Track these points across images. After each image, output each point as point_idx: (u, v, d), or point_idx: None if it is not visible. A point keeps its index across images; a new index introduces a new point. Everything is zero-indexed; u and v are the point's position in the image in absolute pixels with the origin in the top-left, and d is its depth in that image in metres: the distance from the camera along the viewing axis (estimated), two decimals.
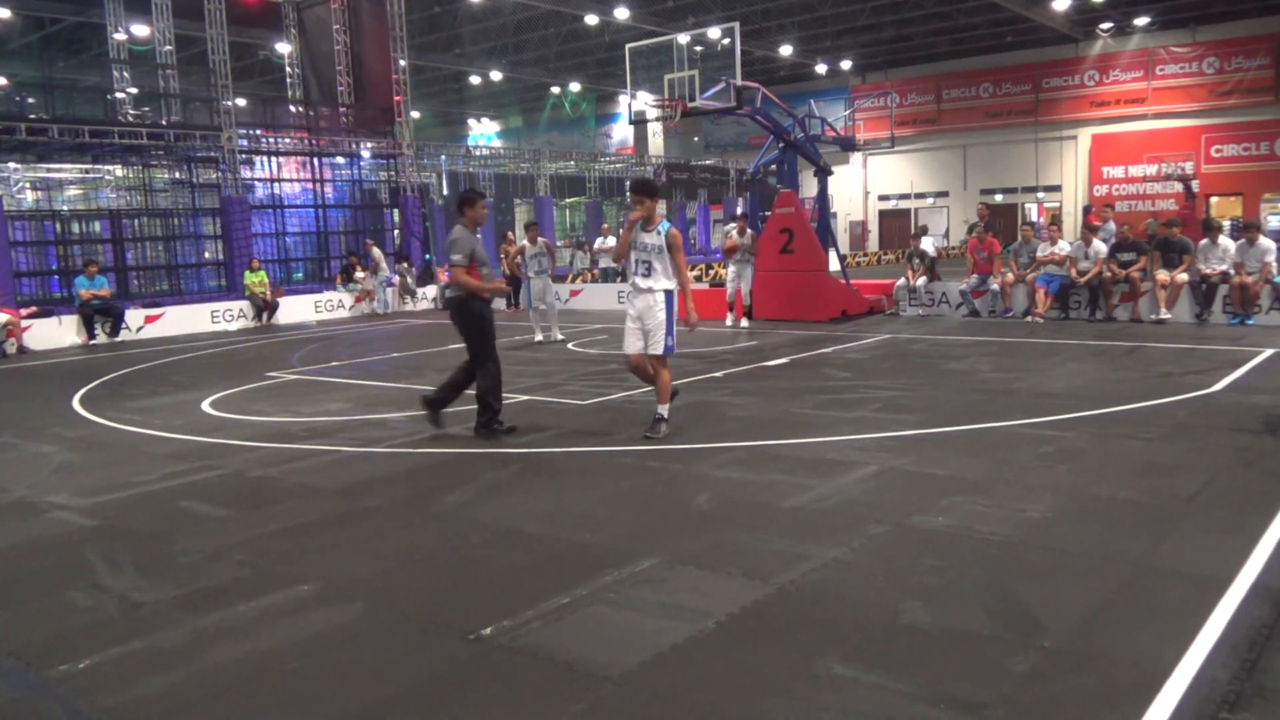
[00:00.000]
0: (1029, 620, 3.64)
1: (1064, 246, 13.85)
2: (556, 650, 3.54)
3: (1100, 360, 10.02)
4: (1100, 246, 13.42)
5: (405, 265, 22.34)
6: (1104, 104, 37.19)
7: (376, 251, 21.35)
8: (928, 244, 18.76)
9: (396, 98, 23.82)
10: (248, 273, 19.43)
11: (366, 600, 4.18)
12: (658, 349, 7.18)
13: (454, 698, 3.26)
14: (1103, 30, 35.96)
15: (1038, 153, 38.61)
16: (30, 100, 22.18)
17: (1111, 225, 14.57)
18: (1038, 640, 3.46)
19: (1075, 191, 37.82)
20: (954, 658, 3.37)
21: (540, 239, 14.59)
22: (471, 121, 51.63)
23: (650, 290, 7.14)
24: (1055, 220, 17.46)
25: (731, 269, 15.14)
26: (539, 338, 14.00)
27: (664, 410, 7.14)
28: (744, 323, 14.85)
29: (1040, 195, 38.78)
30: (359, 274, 20.98)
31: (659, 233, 7.06)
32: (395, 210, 24.51)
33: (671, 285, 7.15)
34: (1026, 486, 5.39)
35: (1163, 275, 12.85)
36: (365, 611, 4.06)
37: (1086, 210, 18.54)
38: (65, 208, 22.58)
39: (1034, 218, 35.82)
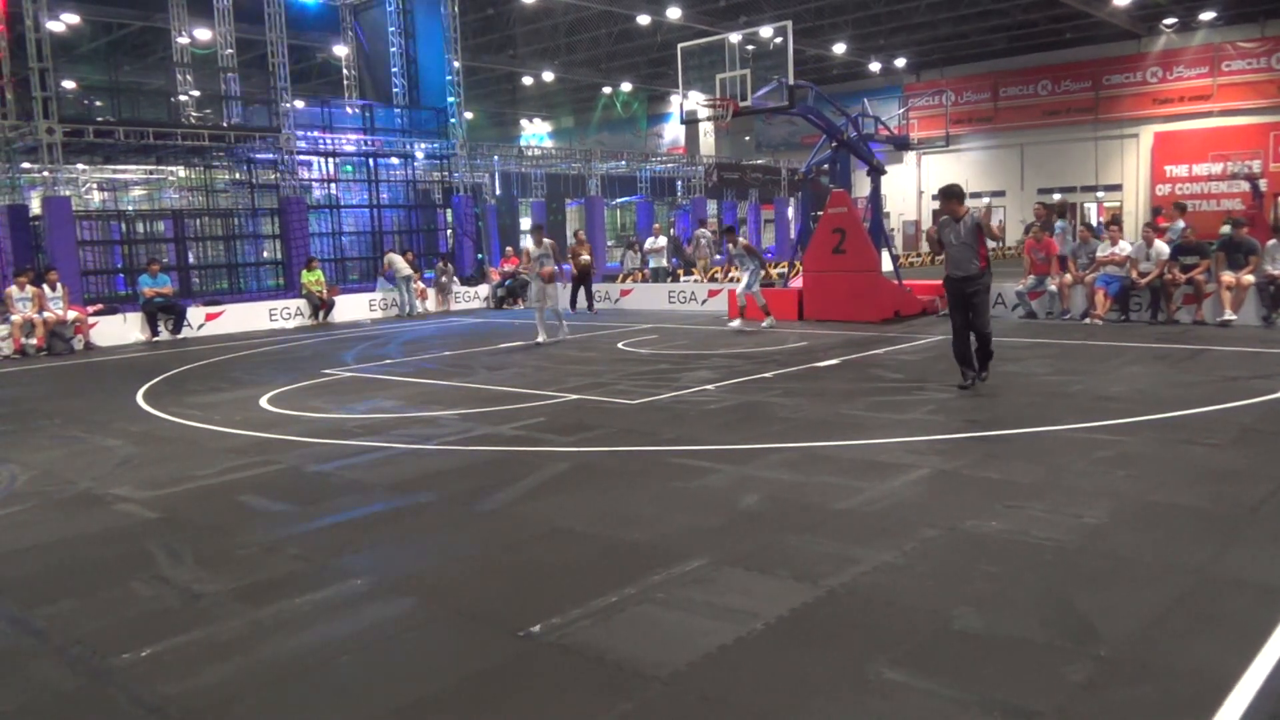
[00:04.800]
0: (1085, 628, 3.56)
1: (1124, 247, 13.54)
2: (605, 649, 3.56)
3: (1162, 364, 9.78)
4: (1162, 247, 13.09)
5: (442, 264, 22.37)
6: (1167, 101, 36.26)
7: (390, 257, 21.16)
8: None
9: (450, 99, 24.09)
10: (305, 272, 19.78)
11: (418, 595, 4.24)
12: None
13: (503, 694, 3.29)
14: (1166, 26, 35.07)
15: (1097, 151, 37.78)
16: (98, 103, 22.81)
17: (1180, 224, 14.17)
18: (1094, 649, 3.39)
19: (1136, 191, 36.94)
20: (1007, 665, 3.31)
21: (547, 241, 14.11)
22: (524, 122, 51.99)
23: None
24: (1115, 220, 17.08)
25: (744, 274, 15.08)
26: (542, 338, 13.66)
27: None
28: (765, 323, 14.62)
29: (1100, 195, 37.95)
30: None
31: None
32: (448, 210, 24.79)
33: None
34: (1083, 492, 5.28)
35: (1228, 277, 12.49)
36: (416, 606, 4.12)
37: (1156, 212, 18.11)
38: (130, 208, 23.17)
39: (1093, 218, 35.07)
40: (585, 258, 18.88)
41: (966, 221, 8.52)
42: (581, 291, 18.82)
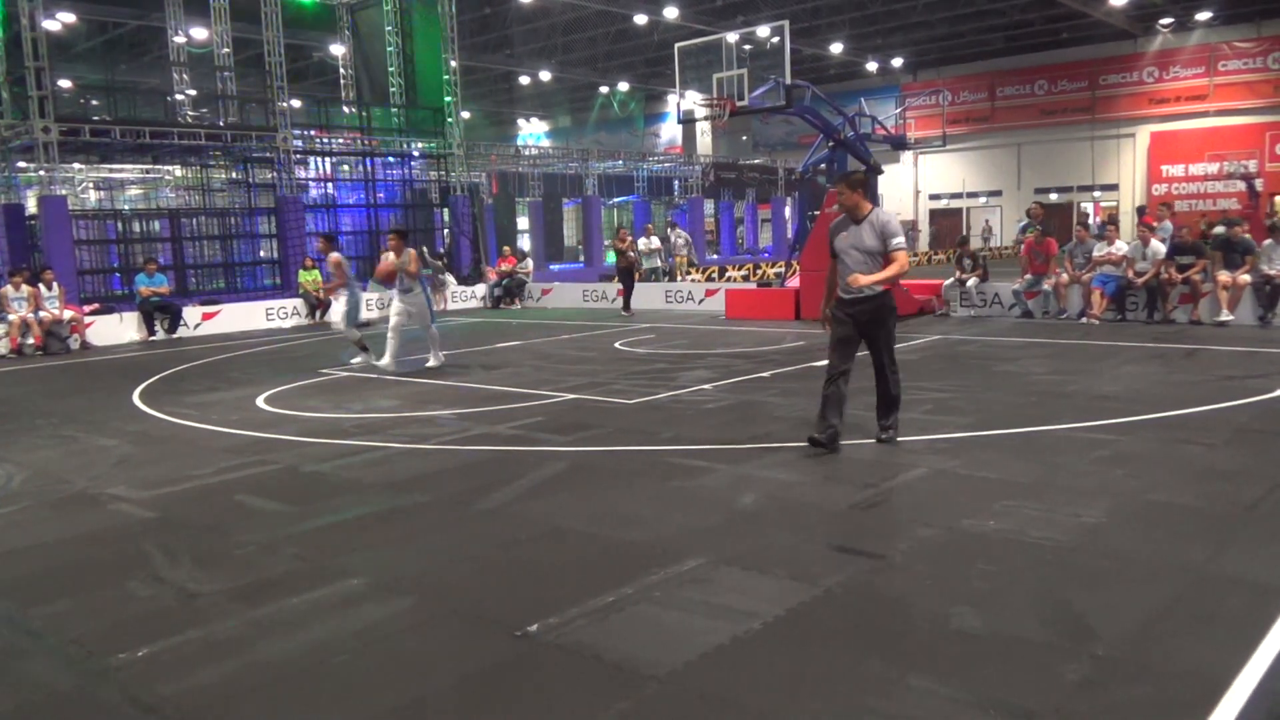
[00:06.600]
0: (1083, 628, 3.57)
1: (1121, 247, 13.56)
2: (602, 648, 3.55)
3: (1158, 363, 9.80)
4: (1158, 247, 13.11)
5: (440, 263, 22.26)
6: (1163, 101, 36.32)
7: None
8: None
9: (447, 98, 24.08)
10: (301, 271, 19.76)
11: (415, 595, 4.23)
12: None
13: (500, 693, 3.29)
14: (1162, 26, 35.13)
15: (1094, 151, 37.84)
16: (94, 103, 22.79)
17: (1169, 224, 14.23)
18: (1092, 648, 3.40)
19: (1133, 191, 37.00)
20: (1005, 664, 3.32)
21: (410, 251, 11.36)
22: (521, 121, 51.97)
23: None
24: (1112, 220, 17.20)
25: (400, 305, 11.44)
26: (432, 362, 11.58)
27: None
28: (358, 359, 11.94)
29: (1096, 194, 38.01)
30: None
31: None
32: (445, 210, 24.78)
33: None
34: (1080, 491, 5.29)
35: (1224, 276, 12.51)
36: (414, 606, 4.12)
37: (1140, 211, 18.15)
38: (127, 207, 23.15)
39: (1090, 217, 35.16)
40: (632, 254, 18.71)
41: (873, 221, 6.30)
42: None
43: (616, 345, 13.29)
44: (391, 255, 11.32)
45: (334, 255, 12.28)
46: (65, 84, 21.53)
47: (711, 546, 4.62)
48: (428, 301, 11.57)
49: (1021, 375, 9.30)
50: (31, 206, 19.16)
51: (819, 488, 5.63)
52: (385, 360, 11.19)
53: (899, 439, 6.65)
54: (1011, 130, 39.95)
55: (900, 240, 6.31)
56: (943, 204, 42.72)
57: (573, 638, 3.66)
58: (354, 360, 12.07)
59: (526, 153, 34.53)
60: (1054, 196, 37.13)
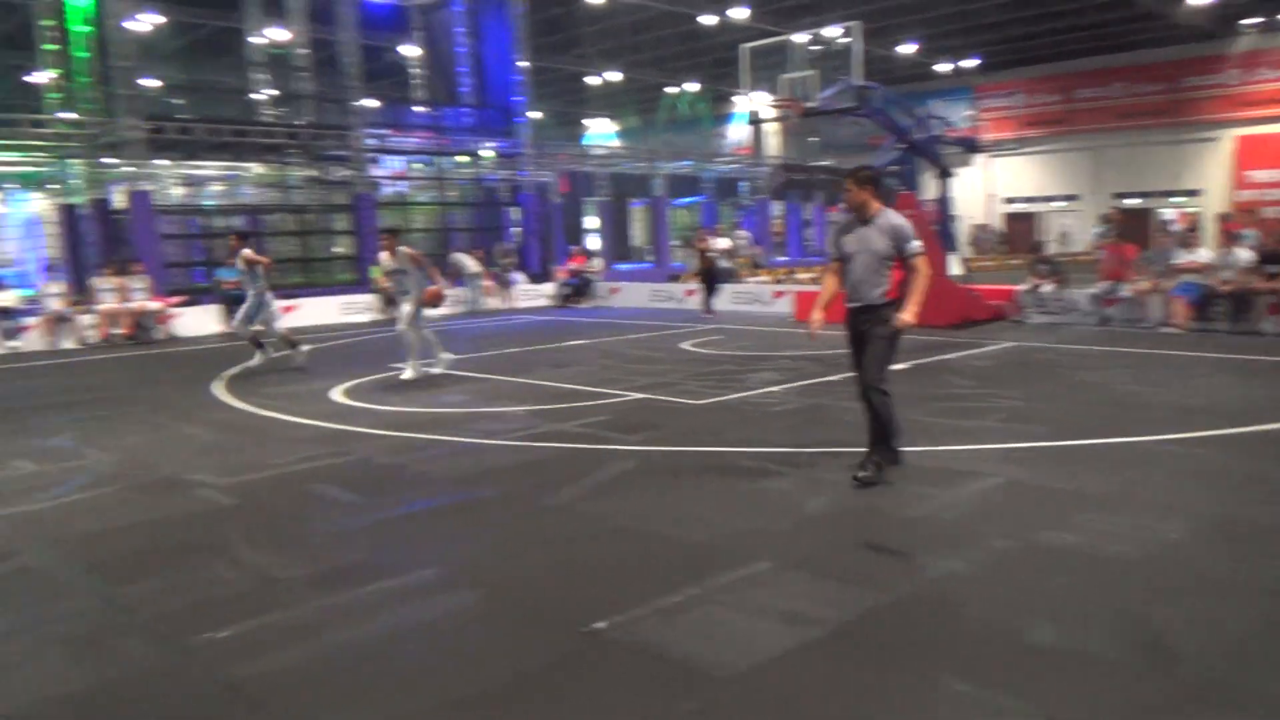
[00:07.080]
0: (1162, 647, 3.48)
1: (1203, 254, 13.14)
2: (668, 648, 3.58)
3: (1244, 375, 9.47)
4: (1245, 254, 12.67)
5: (508, 260, 22.44)
6: (1250, 104, 35.01)
7: (456, 257, 20.98)
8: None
9: (517, 98, 24.36)
10: (374, 267, 20.13)
11: (484, 588, 4.31)
12: None
13: (567, 688, 3.33)
14: (1248, 26, 33.89)
15: (1175, 155, 36.67)
16: (178, 102, 23.52)
17: (1253, 231, 13.73)
18: (1172, 669, 3.31)
19: (1217, 196, 35.78)
20: (1079, 682, 3.25)
21: (404, 249, 10.70)
22: (589, 121, 52.23)
23: None
24: (1194, 227, 16.68)
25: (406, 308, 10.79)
26: (407, 374, 10.65)
27: None
28: (445, 358, 10.94)
29: (1178, 199, 36.84)
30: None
31: None
32: (515, 209, 25.06)
33: None
34: (1161, 505, 5.15)
35: None
36: (482, 599, 4.19)
37: (1225, 218, 17.58)
38: (209, 203, 23.84)
39: (1173, 224, 34.10)
40: (711, 255, 18.78)
41: (882, 224, 5.76)
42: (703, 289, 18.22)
43: (684, 345, 13.28)
44: (384, 257, 10.84)
45: (245, 251, 11.93)
46: (151, 83, 22.21)
47: (780, 550, 4.61)
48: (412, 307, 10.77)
49: (1099, 384, 9.07)
50: (117, 202, 19.87)
51: (889, 494, 5.57)
52: (444, 356, 10.90)
53: (899, 462, 5.95)
54: (1088, 133, 38.92)
55: (918, 244, 5.75)
56: (1017, 207, 41.80)
57: (639, 636, 3.69)
58: (251, 363, 11.87)
59: (594, 152, 34.71)
60: (1133, 201, 36.10)
